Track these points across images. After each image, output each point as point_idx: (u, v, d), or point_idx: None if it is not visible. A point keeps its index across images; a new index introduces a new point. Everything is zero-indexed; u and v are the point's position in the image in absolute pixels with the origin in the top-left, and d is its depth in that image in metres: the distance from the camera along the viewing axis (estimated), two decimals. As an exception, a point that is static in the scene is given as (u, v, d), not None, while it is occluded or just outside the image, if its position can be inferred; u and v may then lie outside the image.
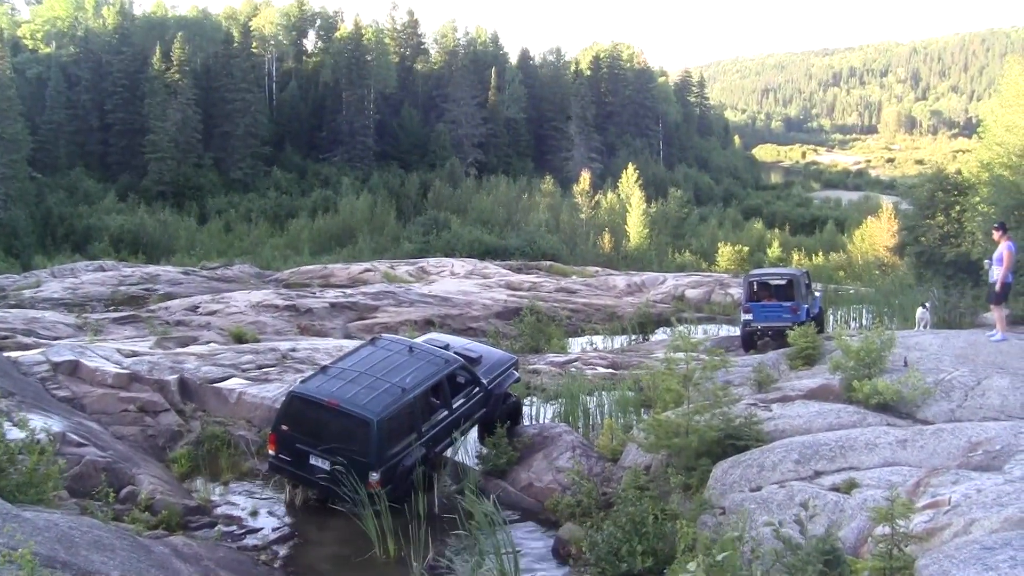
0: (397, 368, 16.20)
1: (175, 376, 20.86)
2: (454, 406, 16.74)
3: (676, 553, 10.68)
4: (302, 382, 16.88)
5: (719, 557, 7.75)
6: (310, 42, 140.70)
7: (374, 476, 14.51)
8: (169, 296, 40.06)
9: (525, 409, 20.13)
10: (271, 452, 15.78)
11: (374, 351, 17.08)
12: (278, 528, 15.08)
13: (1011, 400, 14.25)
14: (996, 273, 19.68)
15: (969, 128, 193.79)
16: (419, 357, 16.82)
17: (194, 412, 19.95)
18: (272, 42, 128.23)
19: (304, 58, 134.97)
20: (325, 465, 14.94)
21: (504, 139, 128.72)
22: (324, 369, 16.69)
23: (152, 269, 48.94)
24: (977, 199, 34.69)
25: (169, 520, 14.08)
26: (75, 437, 16.16)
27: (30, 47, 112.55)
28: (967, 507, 9.32)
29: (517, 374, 19.70)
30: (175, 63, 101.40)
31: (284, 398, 16.30)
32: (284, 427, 15.48)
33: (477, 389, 17.53)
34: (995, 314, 20.57)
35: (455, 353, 17.83)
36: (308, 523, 15.38)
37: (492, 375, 18.22)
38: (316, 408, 15.33)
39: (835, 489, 11.15)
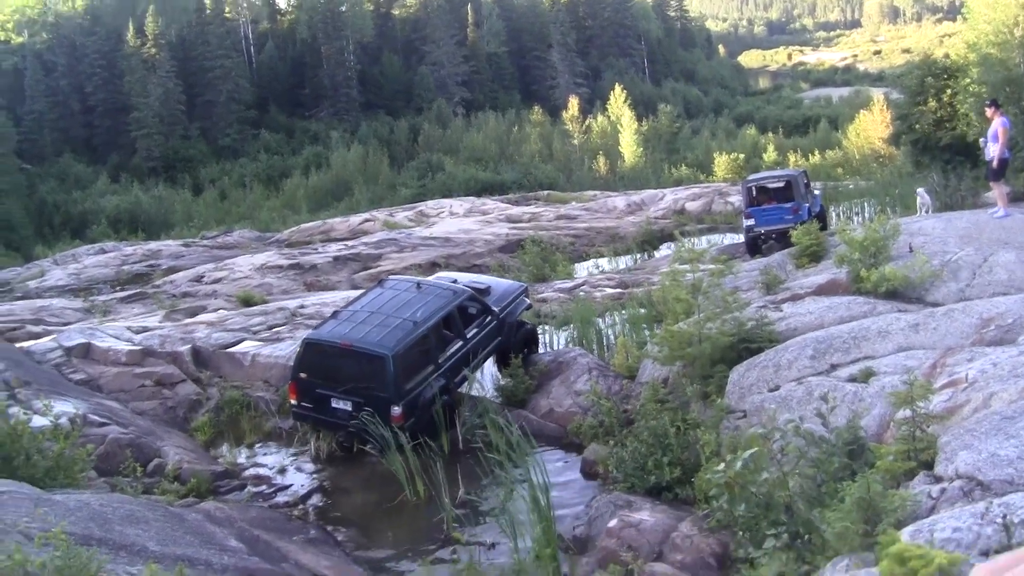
0: (407, 304, 16.30)
1: (187, 346, 20.91)
2: (468, 336, 16.83)
3: (702, 461, 10.75)
4: (315, 329, 17.02)
5: (747, 455, 7.78)
6: (282, 0, 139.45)
7: (396, 410, 14.66)
8: (173, 270, 39.99)
9: (538, 337, 20.18)
10: (293, 401, 15.96)
11: (382, 292, 17.19)
12: (307, 483, 15.20)
13: (1019, 274, 14.26)
14: (993, 150, 19.61)
15: (953, 11, 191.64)
16: (427, 292, 16.92)
17: (210, 379, 20.02)
18: (245, 4, 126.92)
19: (278, 17, 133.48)
20: (347, 406, 15.10)
21: (488, 75, 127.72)
22: (335, 314, 16.80)
23: (153, 245, 48.83)
24: (967, 80, 34.35)
25: (198, 487, 14.20)
26: (96, 418, 16.26)
27: (2, 38, 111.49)
28: (984, 382, 9.34)
29: (528, 301, 19.82)
30: (150, 37, 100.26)
31: (299, 346, 16.41)
32: (303, 375, 15.63)
33: (490, 318, 17.61)
34: (995, 191, 20.52)
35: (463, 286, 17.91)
36: (336, 474, 15.50)
37: (503, 303, 18.31)
38: (331, 351, 15.50)
39: (852, 380, 11.19)
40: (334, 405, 15.33)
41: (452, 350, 16.39)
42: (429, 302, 16.47)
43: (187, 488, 14.11)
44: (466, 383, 16.84)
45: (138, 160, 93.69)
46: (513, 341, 18.14)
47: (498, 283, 20.17)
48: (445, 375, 16.00)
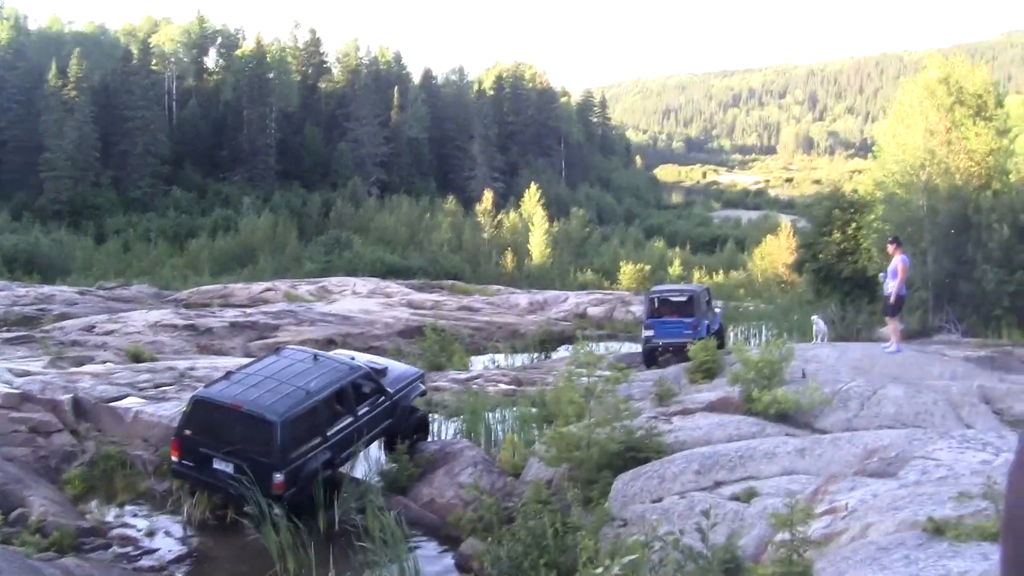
0: (302, 374, 16.14)
1: (69, 395, 20.33)
2: (359, 413, 16.67)
3: (579, 566, 10.66)
4: (205, 387, 16.78)
5: (626, 560, 7.72)
6: (211, 59, 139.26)
7: (278, 477, 14.39)
8: (65, 316, 39.24)
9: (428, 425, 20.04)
10: (174, 458, 15.56)
11: (278, 360, 17.02)
12: (176, 548, 14.77)
13: (905, 408, 14.50)
14: (891, 286, 20.06)
15: (864, 149, 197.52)
16: (324, 365, 16.79)
17: (88, 432, 19.44)
18: (172, 59, 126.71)
19: (205, 76, 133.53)
20: (229, 468, 14.72)
21: (407, 158, 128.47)
22: (228, 375, 16.59)
23: (47, 289, 47.93)
24: (872, 216, 35.33)
25: (61, 542, 13.71)
26: (-38, 459, 15.74)
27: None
28: (864, 512, 9.42)
29: (423, 387, 19.71)
30: (72, 79, 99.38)
31: (187, 403, 16.10)
32: (187, 431, 15.31)
33: (383, 398, 17.48)
34: (890, 326, 21.00)
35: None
36: (207, 542, 15.10)
37: (398, 386, 18.21)
38: (219, 411, 15.22)
39: (735, 498, 11.21)
40: (216, 466, 14.96)
41: (341, 425, 16.20)
42: (325, 374, 16.33)
43: (49, 541, 13.62)
44: (350, 461, 16.64)
45: (44, 201, 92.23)
46: (404, 426, 18.01)
47: (395, 366, 20.07)
48: (331, 449, 15.76)
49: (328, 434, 15.74)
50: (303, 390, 15.48)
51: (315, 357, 17.21)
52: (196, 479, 15.46)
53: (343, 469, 16.59)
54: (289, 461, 14.70)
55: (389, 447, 17.75)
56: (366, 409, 16.99)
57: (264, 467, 14.45)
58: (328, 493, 15.20)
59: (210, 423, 15.27)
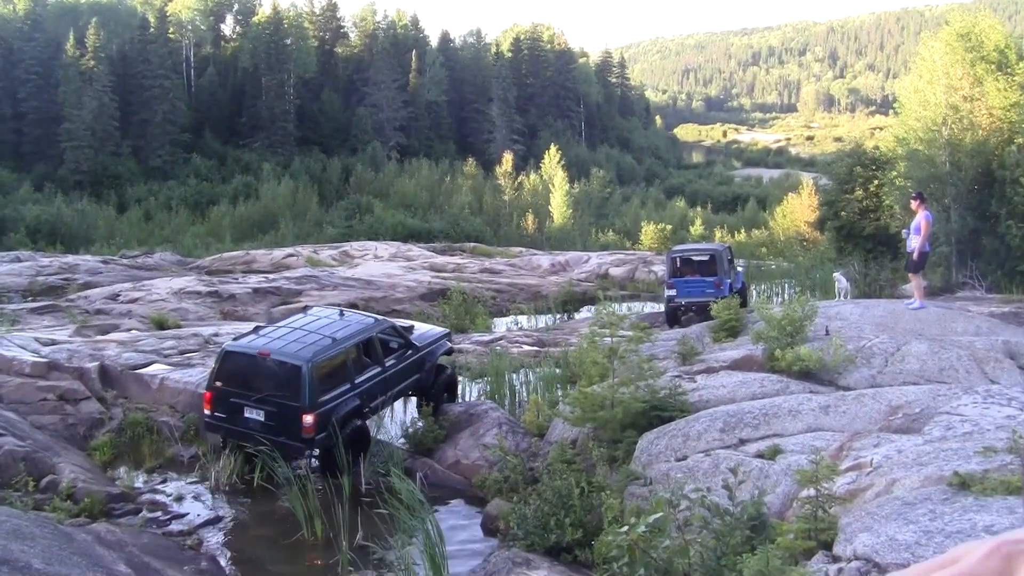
0: (328, 326, 16.53)
1: (95, 363, 20.49)
2: (387, 365, 16.97)
3: (604, 524, 10.70)
4: (234, 339, 17.06)
5: (652, 518, 7.75)
6: (228, 27, 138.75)
7: (308, 419, 14.70)
8: (89, 285, 39.36)
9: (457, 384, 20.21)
10: (207, 411, 15.92)
11: (304, 317, 17.47)
12: (204, 513, 14.90)
13: (929, 365, 14.45)
14: (914, 242, 19.94)
15: (886, 105, 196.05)
16: (350, 319, 17.23)
17: (115, 399, 19.62)
18: (189, 27, 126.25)
19: (222, 43, 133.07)
20: (260, 416, 15.12)
21: (426, 122, 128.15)
22: (256, 329, 17.07)
23: (71, 259, 48.02)
24: (894, 173, 35.13)
25: (91, 508, 13.87)
26: (-9, 427, 15.88)
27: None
28: (888, 468, 9.42)
29: (450, 344, 20.00)
30: (90, 50, 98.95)
31: (217, 356, 16.42)
32: (218, 383, 15.63)
33: (411, 352, 17.78)
34: (913, 282, 20.89)
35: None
36: (235, 507, 15.23)
37: (425, 342, 18.55)
38: (249, 361, 15.60)
39: (760, 456, 11.23)
40: (247, 415, 15.29)
41: (369, 374, 16.48)
42: (350, 326, 16.71)
43: (79, 508, 13.78)
44: (379, 414, 16.96)
45: (65, 172, 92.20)
46: (434, 383, 18.36)
47: (422, 325, 20.56)
48: (360, 397, 16.04)
49: (356, 381, 16.01)
50: (329, 338, 15.84)
51: (341, 313, 17.64)
52: (228, 430, 15.72)
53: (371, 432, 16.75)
54: (318, 405, 14.97)
55: (424, 403, 17.94)
56: (393, 361, 17.28)
57: (293, 411, 14.79)
58: (355, 453, 15.36)
59: (240, 374, 15.62)
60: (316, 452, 15.26)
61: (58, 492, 14.26)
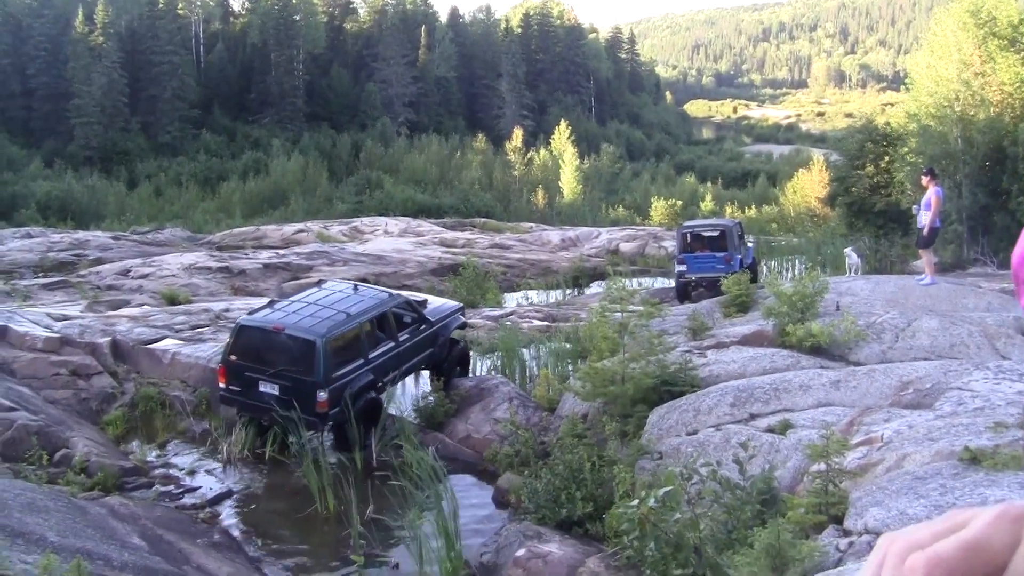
0: (342, 301, 16.61)
1: (107, 338, 20.59)
2: (400, 339, 17.06)
3: (615, 498, 10.75)
4: (249, 314, 17.16)
5: (662, 492, 7.79)
6: (237, 2, 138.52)
7: (322, 395, 14.82)
8: (100, 261, 39.45)
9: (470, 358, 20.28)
10: (221, 385, 16.06)
11: (318, 291, 17.53)
12: (216, 486, 15.00)
13: (940, 340, 14.45)
14: (924, 218, 19.86)
15: (897, 81, 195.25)
16: (363, 293, 17.33)
17: (127, 374, 19.72)
18: (198, 3, 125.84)
19: (231, 19, 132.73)
20: (274, 390, 15.24)
21: (435, 98, 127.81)
22: (270, 303, 17.24)
23: (81, 235, 48.07)
24: (905, 149, 35.06)
25: (105, 482, 13.97)
26: (5, 402, 15.96)
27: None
28: (899, 443, 9.45)
29: (463, 319, 20.15)
30: (99, 26, 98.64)
31: (232, 330, 16.57)
32: (233, 357, 15.76)
33: (424, 326, 17.89)
34: (924, 258, 20.85)
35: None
36: (247, 480, 15.34)
37: (438, 317, 18.65)
38: (263, 335, 15.73)
39: (770, 430, 11.27)
40: (261, 389, 15.40)
41: (383, 349, 16.57)
42: (364, 300, 16.81)
43: (93, 481, 13.88)
44: (392, 388, 17.01)
45: (74, 148, 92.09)
46: (446, 357, 18.47)
47: (434, 299, 20.68)
48: (374, 372, 16.14)
49: (370, 356, 16.09)
50: (344, 313, 15.95)
51: (355, 287, 17.76)
52: (243, 403, 15.88)
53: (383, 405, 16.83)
54: (332, 380, 15.07)
55: (438, 376, 18.07)
56: (407, 336, 17.38)
57: (308, 386, 14.88)
58: (368, 426, 15.45)
59: (255, 348, 15.75)
60: (330, 426, 15.36)
61: (71, 466, 14.36)
